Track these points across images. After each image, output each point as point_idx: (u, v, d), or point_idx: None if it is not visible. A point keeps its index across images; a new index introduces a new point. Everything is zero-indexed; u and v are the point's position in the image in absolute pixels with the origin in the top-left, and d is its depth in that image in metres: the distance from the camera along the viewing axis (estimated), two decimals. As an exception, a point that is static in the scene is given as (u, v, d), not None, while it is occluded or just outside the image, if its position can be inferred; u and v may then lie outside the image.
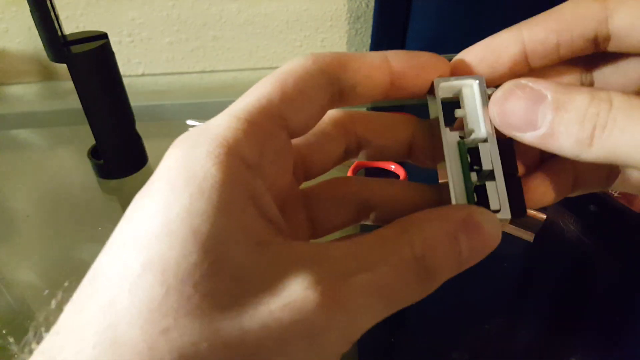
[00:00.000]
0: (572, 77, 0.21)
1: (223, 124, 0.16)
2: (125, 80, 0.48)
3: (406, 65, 0.19)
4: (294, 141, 0.19)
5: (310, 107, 0.18)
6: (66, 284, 0.40)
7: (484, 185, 0.19)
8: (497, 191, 0.19)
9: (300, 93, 0.18)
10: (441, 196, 0.21)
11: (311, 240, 0.22)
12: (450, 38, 0.63)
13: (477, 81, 0.20)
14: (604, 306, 0.38)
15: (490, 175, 0.19)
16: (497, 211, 0.19)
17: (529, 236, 0.42)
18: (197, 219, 0.14)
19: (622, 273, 0.40)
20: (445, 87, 0.20)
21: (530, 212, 0.43)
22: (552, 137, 0.17)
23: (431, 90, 0.20)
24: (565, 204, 0.45)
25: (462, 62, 0.20)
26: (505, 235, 0.43)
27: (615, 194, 0.45)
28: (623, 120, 0.16)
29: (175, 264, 0.13)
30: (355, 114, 0.22)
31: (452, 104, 0.21)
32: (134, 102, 0.49)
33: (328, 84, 0.18)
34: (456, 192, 0.19)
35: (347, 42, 0.73)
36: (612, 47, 0.19)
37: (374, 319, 0.16)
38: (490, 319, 0.37)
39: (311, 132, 0.20)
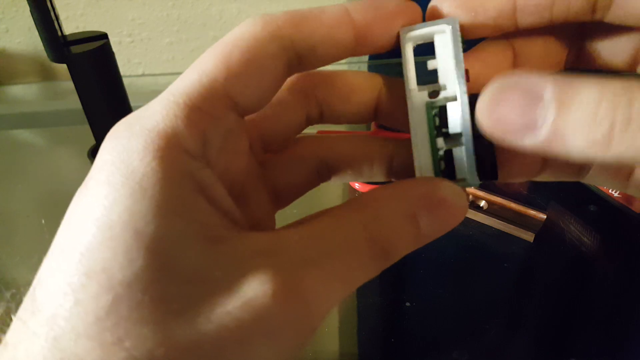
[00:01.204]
0: (558, 46, 0.19)
1: (161, 111, 0.15)
2: (126, 81, 0.48)
3: (370, 17, 0.17)
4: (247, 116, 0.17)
5: (262, 81, 0.16)
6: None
7: (451, 150, 0.17)
8: (464, 157, 0.17)
9: (249, 66, 0.16)
10: (409, 151, 0.19)
11: (275, 214, 0.21)
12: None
13: (450, 26, 0.17)
14: (604, 306, 0.38)
15: (459, 139, 0.17)
16: (464, 179, 0.17)
17: (529, 236, 0.41)
18: (141, 221, 0.13)
19: (622, 273, 0.40)
20: (415, 37, 0.17)
21: (530, 212, 0.43)
22: (556, 140, 0.14)
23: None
24: (566, 204, 0.45)
25: (436, 9, 0.18)
26: (505, 235, 0.43)
27: (616, 194, 0.45)
28: None
29: (120, 271, 0.13)
30: (314, 76, 0.20)
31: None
32: (134, 102, 0.49)
33: (282, 50, 0.16)
34: (420, 161, 0.18)
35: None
36: (610, 16, 0.17)
37: (333, 304, 0.15)
38: (490, 319, 0.37)
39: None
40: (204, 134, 0.15)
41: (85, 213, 0.14)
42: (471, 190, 0.44)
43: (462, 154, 0.17)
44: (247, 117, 0.17)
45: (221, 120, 0.16)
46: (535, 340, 0.36)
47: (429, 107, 0.18)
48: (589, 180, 0.20)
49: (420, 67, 0.18)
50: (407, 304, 0.38)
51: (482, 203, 0.43)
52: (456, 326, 0.37)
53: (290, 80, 0.19)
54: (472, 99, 0.16)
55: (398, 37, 0.18)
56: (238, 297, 0.13)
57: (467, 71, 0.17)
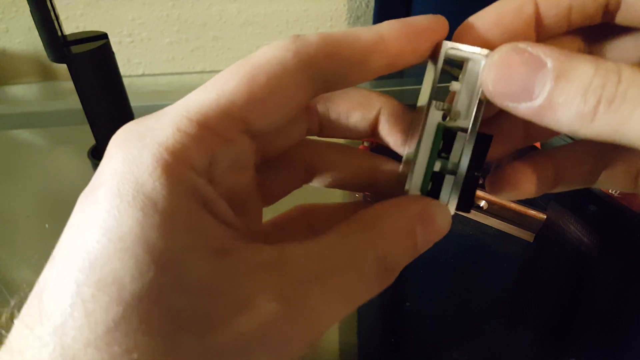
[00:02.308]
0: (574, 49, 0.20)
1: (171, 125, 0.15)
2: (126, 81, 0.48)
3: (404, 40, 0.17)
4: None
5: (283, 109, 0.16)
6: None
7: (443, 175, 0.18)
8: (451, 186, 0.18)
9: (273, 94, 0.15)
10: (392, 167, 0.21)
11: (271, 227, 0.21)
12: (450, 38, 0.63)
13: (487, 56, 0.17)
14: (604, 306, 0.38)
15: (455, 169, 0.18)
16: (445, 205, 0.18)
17: (529, 236, 0.41)
18: (152, 234, 0.13)
19: (622, 273, 0.40)
20: (453, 55, 0.18)
21: (530, 212, 0.43)
22: (549, 109, 0.15)
23: (434, 55, 0.18)
24: (566, 204, 0.45)
25: (470, 28, 0.18)
26: (505, 235, 0.43)
27: (616, 194, 0.45)
28: (635, 95, 0.14)
29: (131, 282, 0.13)
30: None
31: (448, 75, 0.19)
32: (134, 102, 0.49)
33: (310, 80, 0.16)
34: (414, 177, 0.18)
35: (347, 42, 0.73)
36: (619, 17, 0.18)
37: (334, 321, 0.15)
38: (490, 319, 0.37)
39: None
40: (213, 154, 0.15)
41: (95, 221, 0.14)
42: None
43: (451, 182, 0.18)
44: None
45: (233, 143, 0.16)
46: (535, 340, 0.36)
47: (440, 128, 0.18)
48: (600, 185, 0.21)
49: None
50: (407, 303, 0.38)
51: (482, 203, 0.43)
52: (456, 326, 0.37)
53: None
54: (480, 137, 0.17)
55: (426, 55, 0.18)
56: (244, 310, 0.14)
57: (481, 103, 0.18)
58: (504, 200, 0.43)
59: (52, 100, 0.70)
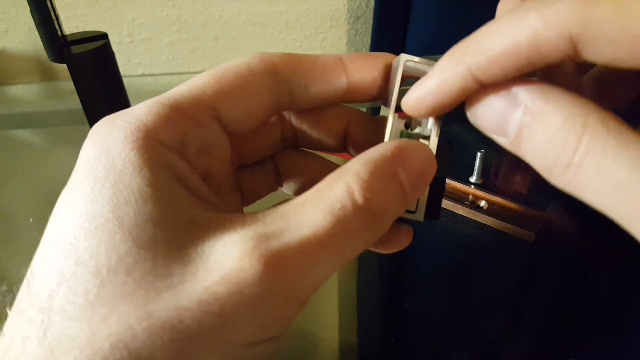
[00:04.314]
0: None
1: (144, 108, 0.16)
2: (126, 81, 0.48)
3: (362, 68, 0.19)
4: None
5: (248, 104, 0.18)
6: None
7: None
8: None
9: (239, 88, 0.18)
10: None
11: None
12: (451, 38, 0.63)
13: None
14: (604, 306, 0.38)
15: None
16: (412, 212, 0.19)
17: (529, 236, 0.41)
18: (122, 209, 0.14)
19: (622, 273, 0.40)
20: (410, 68, 0.18)
21: (530, 212, 0.43)
22: (519, 149, 0.15)
23: (394, 71, 0.19)
24: (565, 204, 0.45)
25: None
26: (505, 235, 0.43)
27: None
28: (592, 163, 0.13)
29: (106, 257, 0.14)
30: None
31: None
32: (134, 102, 0.49)
33: (274, 83, 0.18)
34: None
35: (347, 43, 0.72)
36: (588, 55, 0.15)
37: (325, 274, 0.15)
38: (490, 319, 0.37)
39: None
40: (184, 134, 0.16)
41: (72, 206, 0.15)
42: (471, 190, 0.44)
43: None
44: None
45: (203, 126, 0.17)
46: (535, 341, 0.36)
47: (404, 136, 0.19)
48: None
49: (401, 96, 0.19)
50: (407, 304, 0.38)
51: (482, 203, 0.43)
52: (456, 326, 0.37)
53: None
54: (442, 145, 0.18)
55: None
56: (216, 272, 0.14)
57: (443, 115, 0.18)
58: (503, 199, 0.43)
59: (52, 101, 0.70)
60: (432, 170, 0.17)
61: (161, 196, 0.15)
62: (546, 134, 0.14)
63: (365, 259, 0.42)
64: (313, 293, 0.15)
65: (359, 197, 0.15)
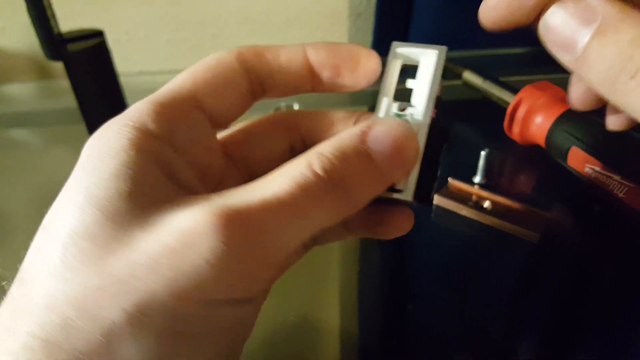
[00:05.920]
0: None
1: (134, 107, 0.18)
2: (122, 79, 0.48)
3: (324, 55, 0.20)
4: (234, 137, 0.21)
5: (225, 91, 0.20)
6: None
7: None
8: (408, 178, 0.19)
9: (214, 77, 0.19)
10: None
11: None
12: (453, 35, 0.63)
13: (437, 51, 0.18)
14: (609, 307, 0.38)
15: None
16: (399, 191, 0.19)
17: (533, 237, 0.41)
18: (94, 186, 0.16)
19: (626, 274, 0.40)
20: (403, 53, 0.19)
21: (534, 212, 0.42)
22: (584, 65, 0.15)
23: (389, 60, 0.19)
24: (569, 204, 0.45)
25: None
26: (508, 236, 0.43)
27: (620, 194, 0.44)
28: None
29: (73, 228, 0.15)
30: (300, 113, 0.23)
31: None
32: (131, 101, 0.49)
33: (244, 70, 0.20)
34: None
35: (348, 40, 0.72)
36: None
37: (294, 236, 0.16)
38: (494, 320, 0.36)
39: (249, 131, 0.22)
40: (170, 123, 0.18)
41: (61, 196, 0.17)
42: (475, 190, 0.43)
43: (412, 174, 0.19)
44: (231, 136, 0.21)
45: (188, 116, 0.19)
46: (539, 342, 0.36)
47: (397, 117, 0.19)
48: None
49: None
50: (410, 305, 0.38)
51: (486, 204, 0.43)
52: (459, 328, 0.36)
53: (275, 115, 0.23)
54: (434, 128, 0.18)
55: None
56: (174, 230, 0.15)
57: (439, 98, 0.19)
58: (506, 200, 0.43)
59: (49, 99, 0.70)
60: (411, 146, 0.17)
61: (135, 175, 0.16)
62: (617, 45, 0.14)
63: (367, 259, 0.41)
64: (284, 255, 0.16)
65: (317, 168, 0.16)
